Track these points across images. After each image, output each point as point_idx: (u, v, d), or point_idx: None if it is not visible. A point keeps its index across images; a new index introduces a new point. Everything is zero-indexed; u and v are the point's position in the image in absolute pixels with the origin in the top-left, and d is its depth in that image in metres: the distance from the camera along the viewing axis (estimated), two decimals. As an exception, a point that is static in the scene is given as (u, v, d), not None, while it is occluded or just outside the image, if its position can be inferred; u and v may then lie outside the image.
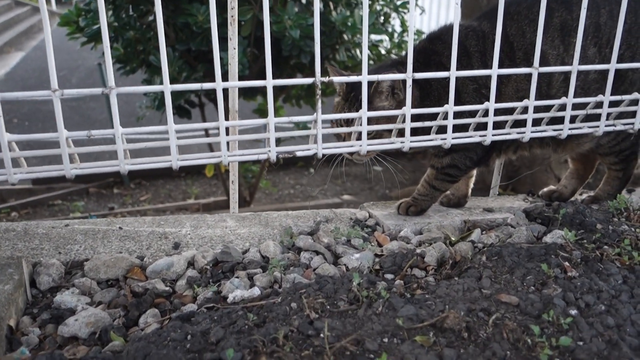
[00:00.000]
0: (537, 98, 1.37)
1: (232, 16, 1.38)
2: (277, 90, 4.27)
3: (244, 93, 3.79)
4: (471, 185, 1.75)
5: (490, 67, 1.25)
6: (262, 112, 4.48)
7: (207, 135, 4.18)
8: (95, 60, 5.73)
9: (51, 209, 4.67)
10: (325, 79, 1.14)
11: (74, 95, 1.06)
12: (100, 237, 1.45)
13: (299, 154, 1.21)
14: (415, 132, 1.33)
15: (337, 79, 1.16)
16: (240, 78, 3.38)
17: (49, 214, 4.53)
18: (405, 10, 3.68)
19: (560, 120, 1.39)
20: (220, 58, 3.11)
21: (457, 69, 1.21)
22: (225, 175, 4.56)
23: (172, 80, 3.33)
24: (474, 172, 1.75)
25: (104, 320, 1.08)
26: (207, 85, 1.10)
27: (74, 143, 1.13)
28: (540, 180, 4.16)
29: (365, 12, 1.10)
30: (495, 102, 1.28)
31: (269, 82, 1.12)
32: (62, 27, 3.38)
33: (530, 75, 1.32)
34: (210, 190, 5.17)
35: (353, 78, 1.17)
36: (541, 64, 1.37)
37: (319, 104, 1.16)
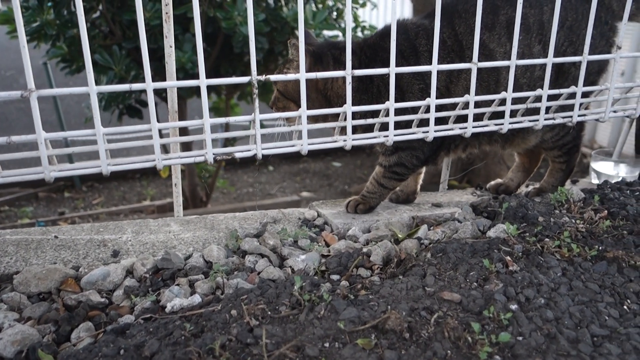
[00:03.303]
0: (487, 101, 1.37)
1: (166, 13, 1.32)
2: (232, 87, 4.19)
3: (197, 92, 3.71)
4: (420, 181, 1.75)
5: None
6: (217, 111, 4.40)
7: (161, 136, 4.08)
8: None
9: (-3, 215, 4.47)
10: (262, 78, 1.10)
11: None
12: (33, 247, 1.37)
13: (237, 155, 1.17)
14: (357, 129, 1.31)
15: (274, 77, 1.12)
16: (192, 76, 3.31)
17: (-6, 221, 4.32)
18: (357, 6, 3.68)
19: (503, 116, 1.40)
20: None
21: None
22: (182, 175, 4.47)
23: (120, 80, 3.22)
24: (423, 169, 1.75)
25: (33, 338, 1.02)
26: (136, 86, 1.05)
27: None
28: (494, 171, 4.25)
29: (300, 7, 1.07)
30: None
31: (202, 82, 1.08)
32: (2, 25, 3.22)
33: (479, 73, 1.32)
34: (167, 191, 5.05)
35: (290, 76, 1.14)
36: (489, 62, 1.38)
37: (257, 104, 1.13)
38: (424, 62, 1.44)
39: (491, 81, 1.48)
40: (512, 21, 1.43)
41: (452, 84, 1.47)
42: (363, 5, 3.74)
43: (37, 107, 1.00)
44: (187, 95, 3.51)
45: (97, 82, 3.29)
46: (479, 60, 1.41)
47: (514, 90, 1.40)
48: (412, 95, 1.45)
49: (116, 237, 1.44)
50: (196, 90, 3.46)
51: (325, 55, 1.46)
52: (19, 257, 1.32)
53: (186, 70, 3.07)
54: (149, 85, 1.05)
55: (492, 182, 1.87)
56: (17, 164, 1.09)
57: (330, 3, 3.74)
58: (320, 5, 3.71)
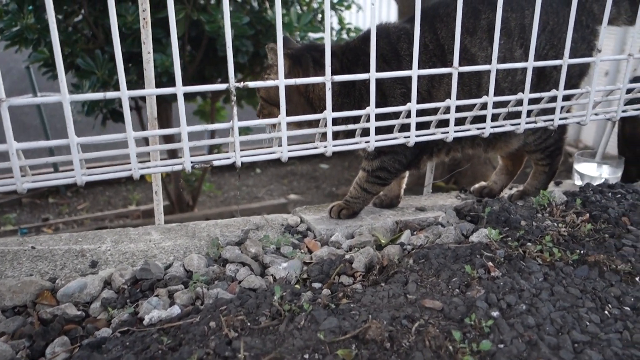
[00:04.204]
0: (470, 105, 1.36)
1: (144, 18, 1.30)
2: (217, 91, 4.17)
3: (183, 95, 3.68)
4: (403, 186, 1.75)
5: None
6: (202, 114, 4.37)
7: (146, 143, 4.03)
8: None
9: (-21, 222, 4.39)
10: (240, 85, 1.09)
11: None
12: (9, 258, 1.34)
13: (216, 163, 1.15)
14: (339, 134, 1.30)
15: (252, 84, 1.11)
16: (175, 80, 3.28)
17: (-24, 228, 4.25)
18: (342, 8, 3.67)
19: (485, 120, 1.39)
20: (154, 60, 2.96)
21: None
22: (167, 179, 4.42)
23: (103, 84, 3.18)
24: (406, 173, 1.74)
25: (6, 354, 1.00)
26: (111, 94, 1.03)
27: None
28: (480, 172, 4.26)
29: (278, 9, 1.06)
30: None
31: (179, 90, 1.06)
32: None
33: (461, 77, 1.32)
34: (153, 195, 5.00)
35: (270, 83, 1.12)
36: (470, 66, 1.38)
37: (235, 111, 1.11)
38: (405, 66, 1.44)
39: (473, 85, 1.47)
40: (494, 25, 1.43)
41: (434, 88, 1.46)
42: (348, 7, 3.73)
43: (8, 117, 0.97)
44: (171, 99, 3.48)
45: (80, 87, 3.26)
46: (461, 65, 1.41)
47: (496, 94, 1.40)
48: (394, 99, 1.44)
49: (95, 247, 1.41)
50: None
51: (304, 57, 1.45)
52: (-6, 269, 1.29)
53: (170, 74, 3.04)
54: (124, 93, 1.03)
55: (476, 185, 1.87)
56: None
57: (316, 5, 3.73)
58: (305, 8, 3.70)
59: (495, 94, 1.43)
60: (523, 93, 1.39)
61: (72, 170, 1.05)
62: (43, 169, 4.30)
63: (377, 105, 1.24)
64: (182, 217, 3.85)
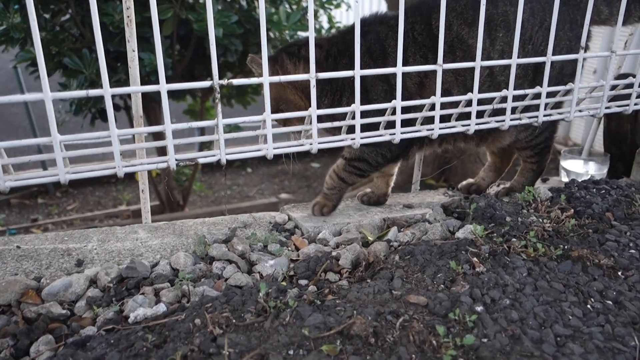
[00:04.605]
0: (463, 94, 1.37)
1: (128, 17, 1.29)
2: (207, 90, 4.15)
3: (172, 94, 3.66)
4: (391, 184, 1.75)
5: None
6: (192, 113, 4.36)
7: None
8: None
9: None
10: (224, 82, 1.09)
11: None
12: (-6, 258, 1.33)
13: (201, 160, 1.15)
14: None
15: (236, 81, 1.11)
16: (165, 78, 3.28)
17: (-36, 228, 4.22)
18: (332, 7, 3.67)
19: (478, 115, 1.40)
20: (141, 59, 2.93)
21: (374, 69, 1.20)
22: (157, 179, 4.41)
23: (91, 83, 3.17)
24: (395, 170, 1.75)
25: (-11, 353, 0.99)
26: (94, 92, 1.02)
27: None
28: (470, 169, 4.28)
29: (261, 9, 1.06)
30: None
31: (163, 87, 1.06)
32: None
33: (453, 72, 1.32)
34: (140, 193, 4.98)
35: (254, 80, 1.12)
36: (468, 59, 1.38)
37: (219, 108, 1.11)
38: (390, 62, 1.44)
39: (468, 76, 1.46)
40: (492, 18, 1.43)
41: (427, 78, 1.46)
42: (338, 6, 3.73)
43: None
44: (160, 98, 3.46)
45: (68, 86, 3.24)
46: (458, 55, 1.41)
47: (494, 89, 1.41)
48: (376, 95, 1.45)
49: (81, 245, 1.41)
50: (169, 93, 3.43)
51: (279, 55, 1.46)
52: (-21, 269, 1.28)
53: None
54: (107, 91, 1.02)
55: (464, 182, 1.88)
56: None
57: (305, 4, 3.72)
58: (294, 7, 3.70)
59: (491, 88, 1.43)
60: (520, 89, 1.40)
61: (53, 169, 1.05)
62: (33, 168, 4.27)
63: (362, 101, 1.24)
64: (172, 216, 3.84)
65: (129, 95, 3.50)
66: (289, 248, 1.41)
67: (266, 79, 1.13)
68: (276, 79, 1.15)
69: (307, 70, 1.15)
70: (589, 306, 1.06)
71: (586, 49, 1.45)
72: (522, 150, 1.71)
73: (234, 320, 1.01)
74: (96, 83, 3.12)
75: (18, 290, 1.18)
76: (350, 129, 1.28)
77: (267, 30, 3.41)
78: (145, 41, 3.07)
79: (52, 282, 1.19)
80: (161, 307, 1.10)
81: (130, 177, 5.12)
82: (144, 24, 2.94)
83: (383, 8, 5.99)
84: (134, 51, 1.34)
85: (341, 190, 1.62)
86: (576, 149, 2.08)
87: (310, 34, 1.12)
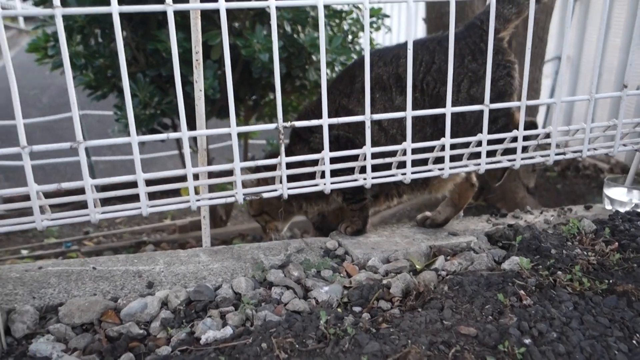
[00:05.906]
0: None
1: (196, 60, 1.42)
2: (250, 110, 4.31)
3: (218, 113, 3.82)
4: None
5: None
6: (238, 135, 4.51)
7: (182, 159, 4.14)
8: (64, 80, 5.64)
9: (25, 234, 4.61)
10: (288, 124, 1.19)
11: (42, 150, 1.09)
12: (74, 278, 1.46)
13: (265, 195, 1.25)
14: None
15: (298, 123, 1.21)
16: (212, 102, 3.43)
17: (22, 240, 4.47)
18: (372, 30, 3.77)
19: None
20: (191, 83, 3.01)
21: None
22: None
23: (145, 106, 3.35)
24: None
25: (79, 369, 1.11)
26: (174, 135, 1.14)
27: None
28: (509, 188, 4.27)
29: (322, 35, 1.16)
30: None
31: (233, 130, 1.17)
32: (31, 52, 3.36)
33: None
34: (187, 209, 5.15)
35: (314, 122, 1.22)
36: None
37: (282, 148, 1.21)
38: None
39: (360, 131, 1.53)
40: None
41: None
42: (377, 29, 3.83)
43: (85, 157, 1.09)
44: (207, 117, 3.62)
45: (121, 108, 3.44)
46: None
47: (390, 142, 1.50)
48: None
49: (150, 267, 1.53)
50: (216, 111, 3.58)
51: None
52: (61, 289, 1.41)
53: (207, 96, 3.18)
54: (184, 134, 1.14)
55: (419, 216, 1.91)
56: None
57: (346, 27, 3.83)
58: (335, 29, 3.81)
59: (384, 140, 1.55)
60: (474, 134, 1.46)
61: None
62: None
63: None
64: (217, 232, 3.97)
65: (177, 116, 3.69)
66: (341, 274, 1.50)
67: (325, 122, 1.22)
68: (334, 120, 1.24)
69: None
70: (634, 341, 1.10)
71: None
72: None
73: (297, 346, 1.11)
74: (149, 105, 3.30)
75: (99, 310, 1.30)
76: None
77: (310, 54, 3.53)
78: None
79: (129, 303, 1.31)
80: (228, 330, 1.21)
81: (175, 192, 5.31)
82: (190, 50, 3.10)
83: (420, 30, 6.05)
84: (201, 91, 1.47)
85: (365, 217, 1.80)
86: (620, 178, 2.11)
87: (323, 84, 1.21)
